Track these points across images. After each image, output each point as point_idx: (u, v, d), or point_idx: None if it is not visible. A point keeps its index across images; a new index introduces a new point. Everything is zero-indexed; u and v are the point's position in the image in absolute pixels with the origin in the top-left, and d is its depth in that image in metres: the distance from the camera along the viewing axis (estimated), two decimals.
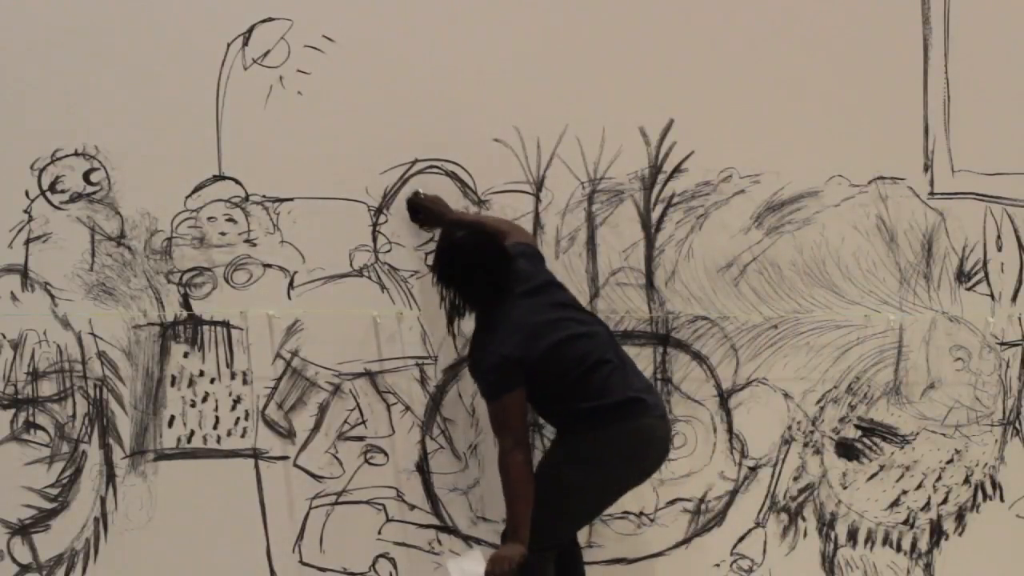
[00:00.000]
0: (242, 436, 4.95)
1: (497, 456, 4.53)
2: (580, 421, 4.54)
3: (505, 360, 4.48)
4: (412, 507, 5.04)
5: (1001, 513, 5.38)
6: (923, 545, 5.33)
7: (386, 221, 5.00)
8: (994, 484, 5.37)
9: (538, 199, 5.08)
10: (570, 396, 4.52)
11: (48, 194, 4.87)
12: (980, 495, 5.36)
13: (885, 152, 5.25)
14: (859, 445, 5.28)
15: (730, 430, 5.20)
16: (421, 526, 5.04)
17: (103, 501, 4.91)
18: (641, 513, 5.17)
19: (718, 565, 5.22)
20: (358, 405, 5.00)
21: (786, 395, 5.23)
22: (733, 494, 5.22)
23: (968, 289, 5.33)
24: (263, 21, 4.93)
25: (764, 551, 5.24)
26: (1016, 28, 5.33)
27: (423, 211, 4.97)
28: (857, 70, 5.22)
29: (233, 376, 4.95)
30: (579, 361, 4.52)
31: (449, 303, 4.66)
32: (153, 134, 4.89)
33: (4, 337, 4.86)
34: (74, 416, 4.89)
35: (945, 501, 5.34)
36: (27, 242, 4.86)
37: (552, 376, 4.51)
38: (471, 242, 4.60)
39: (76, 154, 4.88)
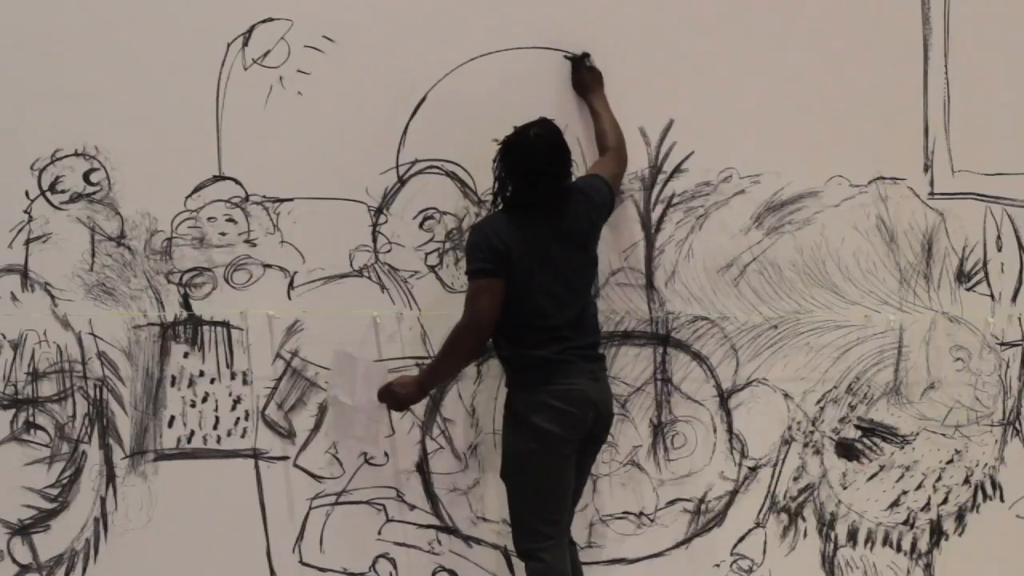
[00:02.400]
0: (242, 436, 4.95)
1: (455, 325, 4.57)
2: (510, 370, 4.62)
3: (493, 248, 4.49)
4: (412, 507, 5.04)
5: (1001, 513, 5.37)
6: (923, 545, 5.33)
7: (386, 221, 5.00)
8: (994, 484, 5.36)
9: None
10: (505, 333, 4.56)
11: (48, 194, 4.87)
12: (980, 495, 5.35)
13: (885, 152, 5.25)
14: (859, 445, 5.27)
15: (730, 430, 5.19)
16: (421, 526, 5.04)
17: (103, 501, 4.91)
18: (641, 513, 5.16)
19: (718, 565, 5.22)
20: None
21: (786, 395, 5.22)
22: (733, 494, 5.22)
23: (968, 289, 5.32)
24: (263, 21, 4.93)
25: (764, 551, 5.24)
26: (1016, 28, 5.33)
27: (584, 82, 4.99)
28: (857, 70, 5.22)
29: (233, 376, 4.95)
30: (536, 315, 4.54)
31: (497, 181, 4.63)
32: (153, 134, 4.89)
33: (4, 337, 4.87)
34: (74, 416, 4.89)
35: (945, 501, 5.33)
36: (27, 242, 4.87)
37: (509, 301, 4.51)
38: (540, 150, 4.55)
39: (76, 154, 4.88)
